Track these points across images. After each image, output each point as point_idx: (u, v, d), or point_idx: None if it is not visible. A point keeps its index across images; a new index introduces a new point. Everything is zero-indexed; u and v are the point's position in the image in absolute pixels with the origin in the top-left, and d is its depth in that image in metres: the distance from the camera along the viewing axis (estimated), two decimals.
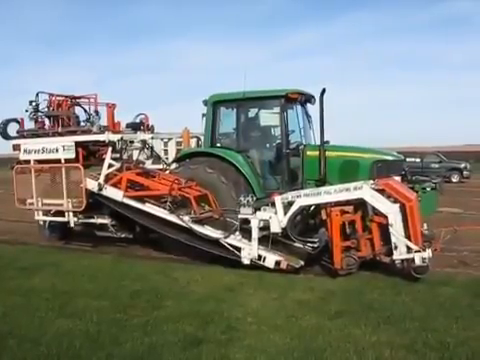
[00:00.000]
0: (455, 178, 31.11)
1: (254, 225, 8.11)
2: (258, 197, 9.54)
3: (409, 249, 7.39)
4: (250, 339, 5.34)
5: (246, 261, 8.21)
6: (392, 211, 7.46)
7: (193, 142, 12.29)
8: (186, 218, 8.95)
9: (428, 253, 7.34)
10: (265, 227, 8.19)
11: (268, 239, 8.21)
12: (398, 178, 9.39)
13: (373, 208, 7.67)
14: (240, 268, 8.28)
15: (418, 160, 29.61)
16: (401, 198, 7.51)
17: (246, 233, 8.38)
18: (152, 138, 10.96)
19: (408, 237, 7.43)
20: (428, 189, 9.11)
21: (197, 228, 8.82)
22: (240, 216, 8.34)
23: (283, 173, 9.77)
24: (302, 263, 8.05)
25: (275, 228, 8.06)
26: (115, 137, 10.06)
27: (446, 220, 13.87)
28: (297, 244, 8.07)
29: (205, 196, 9.46)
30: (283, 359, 4.81)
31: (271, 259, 8.06)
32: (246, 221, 8.32)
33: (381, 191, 7.64)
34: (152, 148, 11.03)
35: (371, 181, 7.92)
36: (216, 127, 10.49)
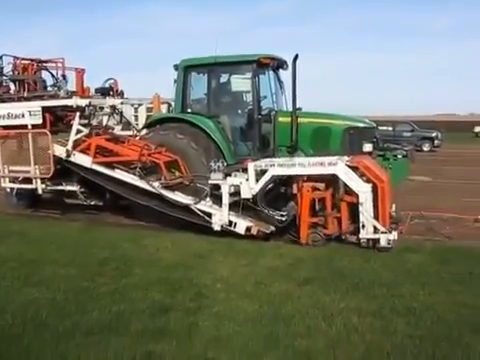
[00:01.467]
0: (426, 147, 31.50)
1: (225, 191, 8.03)
2: (229, 163, 9.47)
3: (376, 229, 7.41)
4: (219, 306, 5.31)
5: (217, 227, 8.16)
6: (364, 190, 7.43)
7: (164, 108, 12.11)
8: (156, 184, 8.83)
9: (394, 235, 7.36)
10: (236, 193, 8.12)
11: (239, 205, 8.15)
12: (370, 145, 9.42)
13: (345, 185, 7.65)
14: (210, 235, 8.24)
15: (390, 129, 29.86)
16: (374, 178, 7.49)
17: (217, 199, 8.30)
18: (122, 103, 10.71)
19: (376, 217, 7.45)
20: (399, 157, 9.15)
21: (167, 194, 8.71)
22: (211, 181, 8.25)
23: (254, 139, 9.68)
24: (273, 228, 8.03)
25: (246, 194, 7.99)
26: (83, 102, 9.79)
27: (416, 189, 14.11)
28: (265, 212, 8.03)
29: (175, 162, 9.34)
30: (251, 326, 4.80)
31: (242, 225, 8.03)
32: (217, 187, 8.23)
33: (355, 169, 7.61)
34: (122, 114, 10.79)
35: (346, 157, 7.88)
36: (187, 92, 10.31)
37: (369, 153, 9.51)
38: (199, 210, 8.36)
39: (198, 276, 6.32)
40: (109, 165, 9.45)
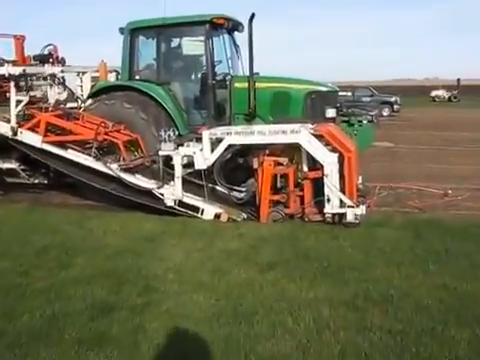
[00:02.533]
0: (386, 112, 31.32)
1: (177, 162, 7.26)
2: (181, 133, 8.72)
3: (342, 203, 6.81)
4: (170, 302, 4.60)
5: (169, 202, 7.42)
6: (329, 161, 6.79)
7: (112, 77, 11.14)
8: (114, 166, 7.95)
9: (361, 209, 6.78)
10: (189, 164, 7.37)
11: (204, 189, 7.41)
12: (333, 111, 8.79)
13: (309, 158, 6.99)
14: (163, 214, 7.51)
15: (349, 94, 29.45)
16: (340, 148, 6.84)
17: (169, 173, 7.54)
18: (62, 72, 9.70)
19: (342, 190, 6.84)
20: (365, 122, 8.57)
21: (127, 177, 7.86)
22: (161, 153, 7.44)
23: (209, 107, 8.90)
24: (244, 216, 7.34)
25: (200, 164, 7.24)
26: (16, 70, 8.75)
27: (379, 155, 13.69)
28: (220, 189, 7.31)
29: (135, 141, 8.50)
30: (208, 328, 4.11)
31: (210, 211, 7.33)
32: (168, 159, 7.45)
33: (319, 137, 6.94)
34: (64, 83, 9.78)
35: (310, 125, 7.21)
36: (134, 58, 9.45)
37: (332, 119, 8.90)
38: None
39: (148, 265, 5.59)
40: (61, 145, 8.48)
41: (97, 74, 10.68)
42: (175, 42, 9.54)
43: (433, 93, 54.57)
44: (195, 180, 7.52)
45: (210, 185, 7.40)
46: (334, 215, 6.86)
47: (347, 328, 4.03)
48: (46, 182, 9.50)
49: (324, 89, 9.02)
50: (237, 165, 7.65)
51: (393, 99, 32.36)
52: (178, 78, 9.24)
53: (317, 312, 4.30)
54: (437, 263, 5.42)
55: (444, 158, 13.91)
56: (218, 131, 7.24)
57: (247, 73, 8.73)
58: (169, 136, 7.33)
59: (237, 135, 7.07)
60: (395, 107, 31.80)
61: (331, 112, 8.83)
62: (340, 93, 26.60)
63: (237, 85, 9.00)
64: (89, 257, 5.90)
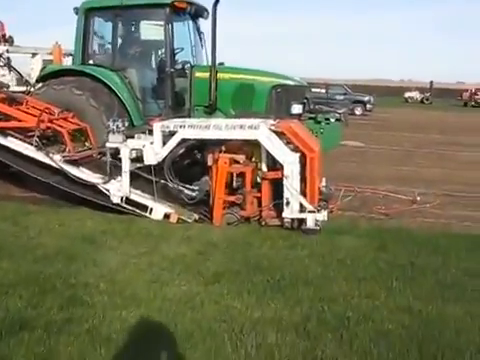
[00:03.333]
0: (358, 111, 31.07)
1: (124, 155, 6.60)
2: (135, 124, 8.07)
3: (302, 208, 6.25)
4: (94, 319, 3.94)
5: (116, 199, 6.76)
6: (290, 160, 6.21)
7: (68, 61, 10.42)
8: (57, 157, 7.23)
9: (323, 215, 6.23)
10: (138, 159, 6.72)
11: (153, 187, 6.77)
12: (299, 106, 8.24)
13: (268, 155, 6.43)
14: (110, 211, 6.86)
15: (323, 91, 29.06)
16: (303, 147, 6.27)
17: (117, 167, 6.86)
18: (8, 51, 8.93)
19: (303, 193, 6.28)
20: (332, 120, 8.04)
21: (70, 170, 7.14)
22: (108, 145, 6.77)
23: (166, 97, 8.25)
24: (196, 217, 6.72)
25: (150, 160, 6.59)
26: None
27: (348, 155, 13.23)
28: (171, 186, 6.67)
29: (84, 130, 7.79)
30: (132, 354, 3.49)
31: (159, 211, 6.69)
32: (116, 151, 6.79)
33: (281, 134, 6.37)
34: (9, 64, 9.00)
35: (271, 120, 6.63)
36: (89, 41, 8.72)
37: (298, 115, 8.36)
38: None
39: (80, 271, 4.93)
40: (1, 131, 7.69)
41: (50, 57, 9.97)
42: (133, 25, 8.85)
43: (406, 94, 54.97)
44: (145, 175, 6.87)
45: (161, 182, 6.76)
46: (293, 220, 6.31)
47: (294, 359, 3.46)
48: None
49: (291, 83, 8.45)
50: (191, 161, 7.03)
51: (366, 98, 32.11)
52: (135, 64, 8.56)
53: (262, 337, 3.71)
54: (401, 279, 4.90)
55: (414, 160, 13.59)
56: (171, 124, 6.60)
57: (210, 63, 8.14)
58: (117, 127, 6.66)
59: (191, 129, 6.44)
60: (368, 106, 31.55)
61: (297, 108, 8.29)
62: (313, 90, 26.25)
63: (198, 75, 8.38)
64: (15, 260, 5.20)
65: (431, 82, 54.58)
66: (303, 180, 6.29)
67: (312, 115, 8.15)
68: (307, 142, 6.28)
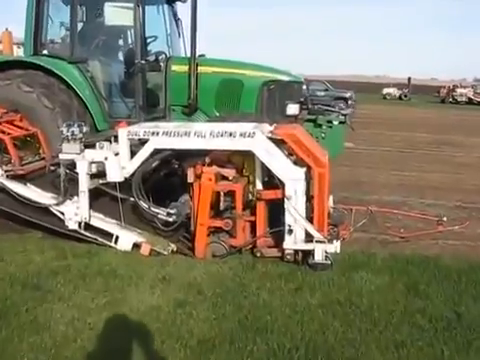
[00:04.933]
0: (339, 107, 29.94)
1: (81, 170, 5.18)
2: (99, 129, 6.67)
3: (309, 236, 4.96)
4: None
5: (72, 225, 5.34)
6: (294, 177, 4.90)
7: (20, 51, 8.94)
8: None
9: (335, 246, 4.94)
10: (100, 174, 5.31)
11: (119, 210, 5.38)
12: (296, 106, 6.94)
13: (264, 168, 5.14)
14: (68, 238, 5.47)
15: (304, 87, 27.84)
16: (310, 160, 4.94)
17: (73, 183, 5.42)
18: None
19: (310, 219, 4.99)
20: (335, 123, 6.74)
21: (14, 187, 5.64)
22: (61, 156, 5.34)
23: (137, 95, 6.81)
24: (173, 248, 5.34)
25: (114, 176, 5.20)
26: None
27: (340, 158, 11.95)
28: (142, 208, 5.28)
29: (35, 136, 6.33)
30: None
31: (127, 239, 5.32)
32: (72, 164, 5.36)
33: (281, 143, 5.05)
34: None
35: (267, 125, 5.31)
36: (42, 27, 7.21)
37: (294, 117, 7.06)
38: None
39: (11, 338, 3.55)
40: None
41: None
42: (96, 8, 7.35)
43: (385, 91, 54.28)
44: (110, 193, 5.47)
45: (130, 203, 5.38)
46: (297, 252, 5.00)
47: None
48: None
49: (285, 78, 7.12)
50: (167, 177, 5.63)
51: (348, 94, 31.06)
52: (98, 56, 7.06)
53: None
54: (452, 344, 3.64)
55: (410, 163, 12.43)
56: (141, 129, 5.18)
57: (189, 54, 6.80)
58: (73, 133, 5.25)
59: (166, 137, 5.04)
60: (350, 103, 30.45)
61: (293, 108, 6.98)
62: None
63: (175, 68, 7.00)
64: None
65: (409, 78, 53.98)
66: (309, 201, 4.99)
67: (311, 116, 6.85)
68: (314, 153, 4.95)
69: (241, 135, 4.91)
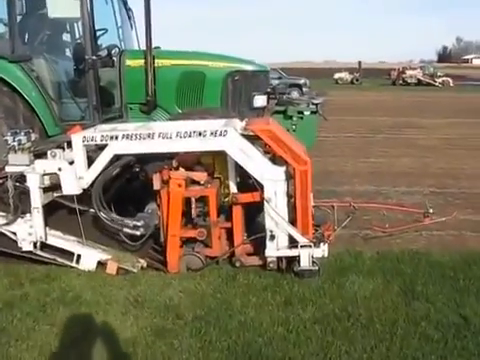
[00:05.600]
0: (295, 95, 29.66)
1: (33, 184, 4.54)
2: (50, 134, 6.03)
3: (292, 241, 4.51)
4: None
5: (26, 246, 4.68)
6: (273, 177, 4.44)
7: None
8: None
9: (323, 250, 4.51)
10: (54, 187, 4.69)
11: (78, 224, 4.76)
12: (263, 98, 6.49)
13: (237, 167, 4.66)
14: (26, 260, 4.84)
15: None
16: (289, 157, 4.47)
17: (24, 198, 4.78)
18: None
19: (293, 221, 4.54)
20: (307, 113, 6.31)
21: None
22: (8, 169, 4.69)
23: (90, 94, 6.19)
24: (143, 263, 4.77)
25: (70, 188, 4.59)
26: None
27: (317, 150, 11.62)
28: (105, 222, 4.70)
29: None
30: None
31: (90, 258, 4.72)
32: (22, 178, 4.72)
33: (255, 139, 4.56)
34: None
35: (238, 121, 4.81)
36: None
37: (262, 109, 6.60)
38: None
39: None
40: None
41: None
42: None
43: (336, 75, 54.38)
44: (69, 204, 4.85)
45: (90, 216, 4.79)
46: (280, 259, 4.55)
47: None
48: None
49: (250, 68, 6.62)
50: (131, 183, 5.07)
51: (302, 81, 30.87)
52: (43, 52, 6.39)
53: None
54: (465, 352, 3.28)
55: (376, 149, 12.19)
56: (98, 134, 4.57)
57: (144, 47, 6.23)
58: (20, 142, 4.62)
59: (127, 140, 4.46)
60: (304, 90, 30.25)
61: (261, 100, 6.51)
62: None
63: (130, 63, 6.41)
64: None
65: (359, 62, 54.23)
66: (291, 202, 4.53)
67: (280, 108, 6.39)
68: (294, 150, 4.49)
69: (212, 134, 4.39)
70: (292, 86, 30.07)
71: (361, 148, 12.33)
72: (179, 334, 3.56)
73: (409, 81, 48.90)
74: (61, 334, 3.60)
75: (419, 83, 47.96)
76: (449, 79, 48.39)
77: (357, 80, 52.31)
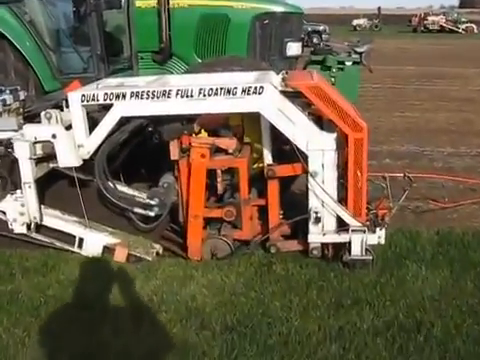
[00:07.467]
0: (315, 41, 28.35)
1: (22, 154, 3.72)
2: (48, 90, 5.17)
3: (342, 224, 3.67)
4: None
5: (18, 228, 3.90)
6: (321, 146, 3.56)
7: None
8: None
9: (379, 236, 3.65)
10: (47, 158, 3.87)
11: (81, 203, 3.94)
12: (297, 45, 5.56)
13: (274, 134, 3.76)
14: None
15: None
16: (342, 122, 3.55)
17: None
18: None
19: (344, 201, 3.67)
20: (348, 64, 5.38)
21: None
22: None
23: (93, 41, 5.26)
24: (158, 249, 3.97)
25: (66, 159, 3.76)
26: None
27: None
28: (111, 199, 3.87)
29: None
30: None
31: (94, 243, 3.91)
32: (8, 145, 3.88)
33: (297, 98, 3.63)
34: None
35: (273, 74, 3.90)
36: None
37: (296, 58, 5.67)
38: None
39: None
40: None
41: None
42: None
43: (355, 22, 52.58)
44: (68, 175, 4.04)
45: (94, 192, 3.97)
46: (326, 246, 3.72)
47: None
48: None
49: (282, 9, 5.60)
50: (141, 147, 4.22)
51: (321, 27, 29.51)
52: None
53: None
54: None
55: (410, 102, 11.20)
56: (100, 91, 3.68)
57: None
58: (4, 102, 3.76)
59: (137, 100, 3.57)
60: (324, 36, 28.90)
61: (295, 47, 5.56)
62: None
63: (140, 3, 5.47)
64: None
65: (379, 8, 52.22)
66: (343, 177, 3.67)
67: (317, 57, 5.45)
68: (348, 112, 3.58)
69: (244, 92, 3.48)
70: (312, 33, 28.72)
71: (393, 101, 11.38)
72: (206, 353, 2.78)
73: (431, 28, 47.07)
74: (58, 351, 2.83)
75: (441, 30, 46.07)
76: (473, 25, 46.34)
77: (376, 27, 50.47)
